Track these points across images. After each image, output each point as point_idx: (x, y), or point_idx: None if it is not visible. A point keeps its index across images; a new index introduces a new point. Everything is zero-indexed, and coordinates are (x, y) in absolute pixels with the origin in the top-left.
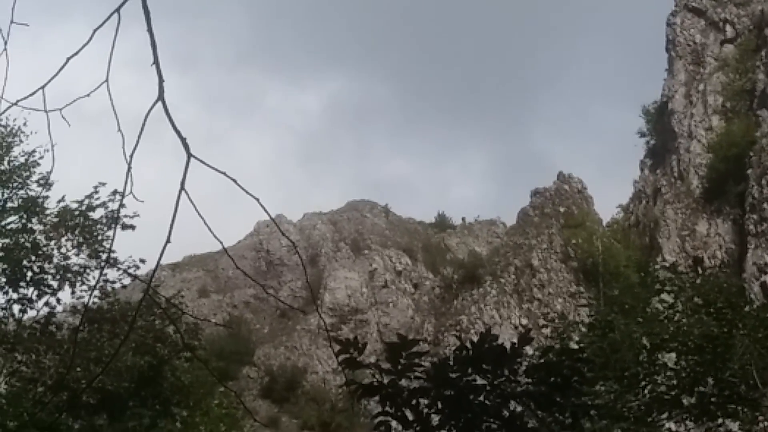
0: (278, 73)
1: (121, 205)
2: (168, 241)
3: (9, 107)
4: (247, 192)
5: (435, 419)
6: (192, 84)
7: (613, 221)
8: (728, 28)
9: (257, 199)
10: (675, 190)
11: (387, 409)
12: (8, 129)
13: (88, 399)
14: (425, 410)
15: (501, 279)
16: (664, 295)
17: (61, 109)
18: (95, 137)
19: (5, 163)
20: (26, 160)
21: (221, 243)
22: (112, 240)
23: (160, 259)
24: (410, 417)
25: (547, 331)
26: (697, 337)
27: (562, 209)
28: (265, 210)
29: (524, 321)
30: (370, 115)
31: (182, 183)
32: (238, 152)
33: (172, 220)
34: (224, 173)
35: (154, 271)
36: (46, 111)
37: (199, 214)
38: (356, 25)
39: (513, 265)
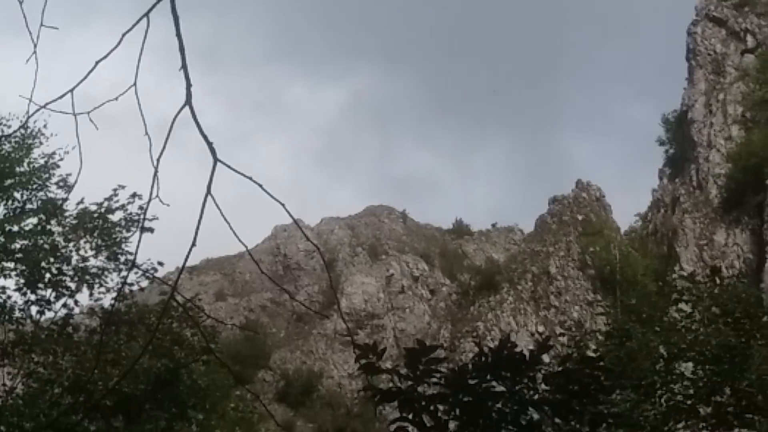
0: (300, 70)
1: (147, 209)
2: (194, 244)
3: (38, 110)
4: (272, 197)
5: (453, 425)
6: (213, 82)
7: (631, 230)
8: (749, 37)
9: (283, 204)
10: (693, 199)
11: (405, 414)
12: (28, 131)
13: (104, 401)
14: (443, 416)
15: (518, 286)
16: (681, 305)
17: (89, 113)
18: (115, 139)
19: (25, 164)
20: (46, 162)
21: (246, 247)
22: (138, 245)
23: (185, 261)
24: (428, 423)
25: (563, 339)
26: (715, 346)
27: (580, 217)
28: (290, 215)
29: (541, 328)
30: (391, 112)
31: (208, 187)
32: (257, 153)
33: (198, 224)
34: (250, 178)
35: (179, 274)
36: (74, 114)
37: (224, 218)
38: (379, 21)
39: (530, 272)
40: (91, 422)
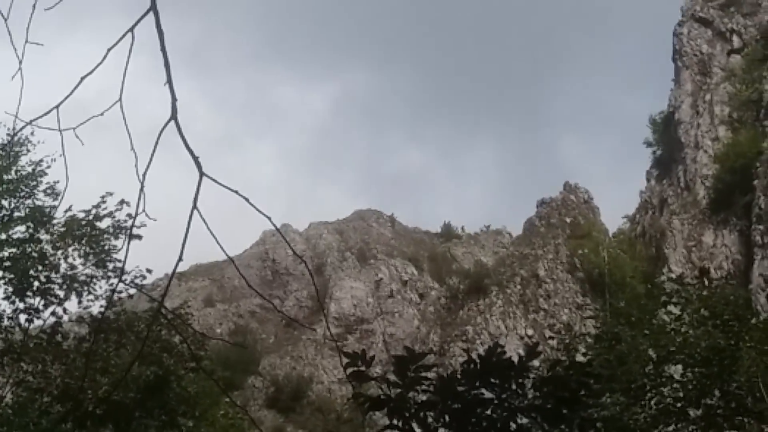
0: (288, 69)
1: (133, 224)
2: (180, 259)
3: (23, 127)
4: (259, 211)
5: None
6: (198, 82)
7: (620, 231)
8: (735, 38)
9: (269, 218)
10: (681, 200)
11: (394, 422)
12: (15, 139)
13: (94, 409)
14: (433, 423)
15: (507, 289)
16: (670, 307)
17: (74, 128)
18: (102, 145)
19: (12, 172)
20: (33, 169)
21: (233, 261)
22: (125, 257)
23: (172, 276)
24: (417, 430)
25: (553, 342)
26: (704, 349)
27: (568, 219)
28: (278, 230)
29: (530, 331)
30: (380, 113)
31: (194, 201)
32: (244, 155)
33: (184, 239)
34: (237, 192)
35: (167, 288)
36: (60, 130)
37: (211, 232)
38: (367, 18)
39: (519, 276)
40: (80, 431)
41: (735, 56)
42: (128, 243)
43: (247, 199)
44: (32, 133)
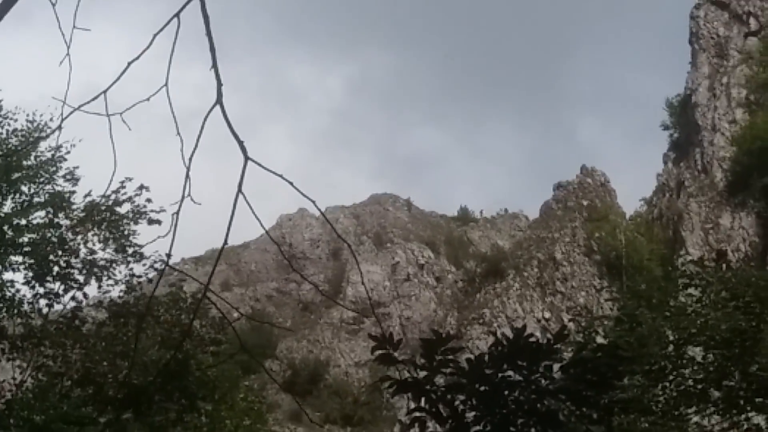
0: (303, 52)
1: (180, 208)
2: (225, 243)
3: (72, 112)
4: (304, 195)
5: (470, 415)
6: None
7: (637, 214)
8: (752, 20)
9: (313, 202)
10: (698, 183)
11: (422, 405)
12: (35, 124)
13: (114, 393)
14: (460, 406)
15: (524, 272)
16: (690, 290)
17: (121, 114)
18: (122, 130)
19: (32, 158)
20: (53, 155)
21: (278, 245)
22: (172, 243)
23: (218, 259)
24: (444, 413)
25: (571, 324)
26: (725, 330)
27: (585, 202)
28: (321, 212)
29: (547, 314)
30: (397, 94)
31: (239, 185)
32: (260, 138)
33: (230, 222)
34: (281, 176)
35: (212, 272)
36: (108, 115)
37: (256, 216)
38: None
39: (536, 259)
40: (100, 415)
41: (752, 38)
42: (175, 227)
43: (291, 183)
44: (51, 119)
